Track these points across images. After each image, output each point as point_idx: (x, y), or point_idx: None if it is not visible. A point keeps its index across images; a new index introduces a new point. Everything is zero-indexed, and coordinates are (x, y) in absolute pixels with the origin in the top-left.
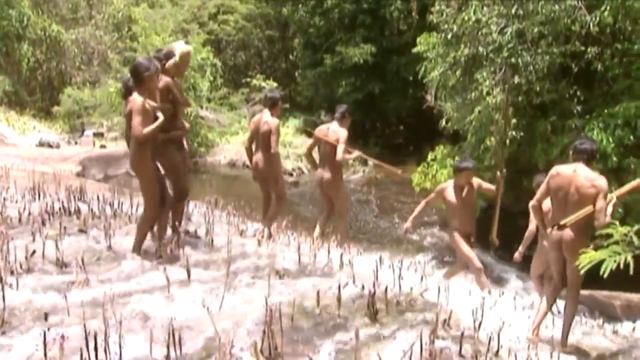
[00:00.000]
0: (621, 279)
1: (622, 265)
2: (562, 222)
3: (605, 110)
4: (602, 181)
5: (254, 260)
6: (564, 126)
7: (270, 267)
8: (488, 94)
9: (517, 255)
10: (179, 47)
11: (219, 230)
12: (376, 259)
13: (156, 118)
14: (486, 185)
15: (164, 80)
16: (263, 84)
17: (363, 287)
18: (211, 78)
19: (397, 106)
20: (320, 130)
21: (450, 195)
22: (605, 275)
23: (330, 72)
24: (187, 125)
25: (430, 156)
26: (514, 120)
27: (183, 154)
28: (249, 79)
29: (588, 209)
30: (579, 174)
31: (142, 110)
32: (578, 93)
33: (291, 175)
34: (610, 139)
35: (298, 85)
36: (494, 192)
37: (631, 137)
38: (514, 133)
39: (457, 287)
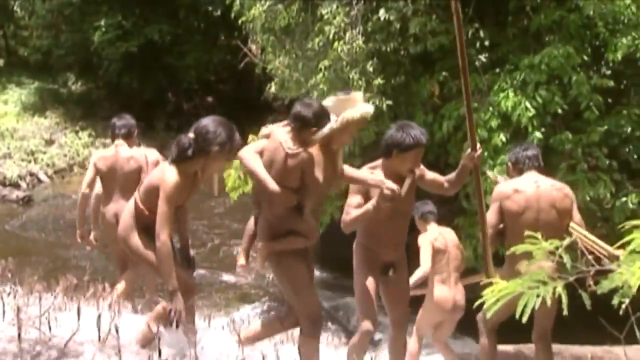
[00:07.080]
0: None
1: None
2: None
3: (524, 61)
4: (568, 188)
5: None
6: (459, 87)
7: None
8: (339, 38)
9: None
10: (362, 106)
11: None
12: None
13: None
14: (432, 174)
15: (299, 156)
16: None
17: None
18: None
19: (197, 64)
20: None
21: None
22: (525, 319)
23: (79, 4)
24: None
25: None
26: (379, 80)
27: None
28: None
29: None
30: (544, 186)
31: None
32: (481, 34)
33: (17, 186)
34: (529, 105)
35: (21, 29)
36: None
37: (562, 102)
38: (377, 102)
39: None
